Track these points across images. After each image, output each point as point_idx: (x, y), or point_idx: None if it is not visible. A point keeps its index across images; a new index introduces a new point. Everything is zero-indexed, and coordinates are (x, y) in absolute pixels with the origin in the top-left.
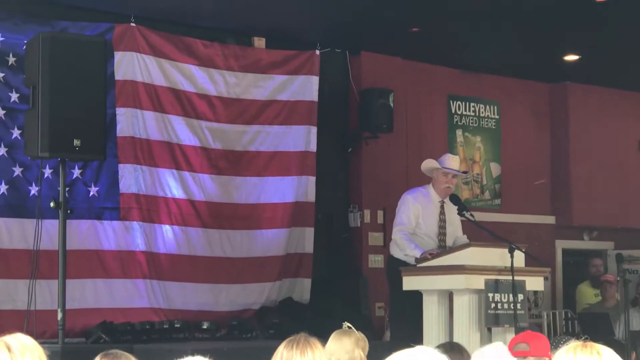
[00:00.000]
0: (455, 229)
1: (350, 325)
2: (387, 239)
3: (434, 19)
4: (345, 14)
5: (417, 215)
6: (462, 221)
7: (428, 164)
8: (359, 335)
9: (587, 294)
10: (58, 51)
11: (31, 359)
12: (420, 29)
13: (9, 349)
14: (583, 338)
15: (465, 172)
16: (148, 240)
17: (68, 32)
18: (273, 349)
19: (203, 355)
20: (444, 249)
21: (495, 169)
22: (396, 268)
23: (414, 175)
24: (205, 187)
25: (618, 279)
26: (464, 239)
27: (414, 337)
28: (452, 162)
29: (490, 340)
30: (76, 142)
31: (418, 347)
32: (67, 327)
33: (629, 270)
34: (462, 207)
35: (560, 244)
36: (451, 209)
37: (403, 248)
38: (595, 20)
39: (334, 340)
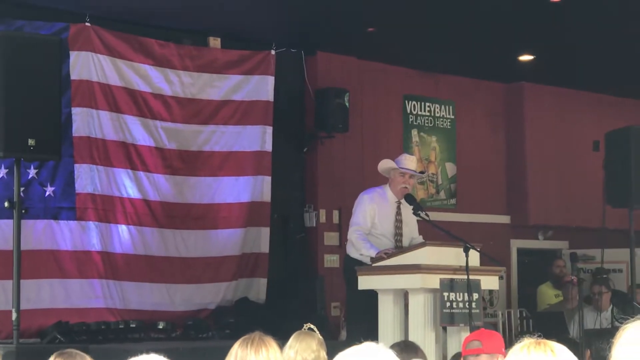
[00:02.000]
0: (411, 230)
1: (313, 326)
2: (343, 238)
3: (389, 19)
4: (300, 14)
5: (373, 216)
6: (417, 221)
7: (385, 165)
8: (319, 339)
9: (548, 295)
10: (13, 50)
11: None
12: (376, 29)
13: None
14: (536, 336)
15: (422, 172)
16: (104, 240)
17: (23, 31)
18: (229, 349)
19: (158, 354)
20: (400, 249)
21: (450, 168)
22: (352, 268)
23: (369, 175)
24: (160, 187)
25: (572, 277)
26: (420, 239)
27: (369, 336)
28: (409, 162)
29: (445, 340)
30: (31, 142)
31: (365, 344)
32: (23, 327)
33: (583, 269)
34: (418, 207)
35: (515, 244)
36: (408, 209)
37: (359, 248)
38: (549, 21)
39: (297, 340)
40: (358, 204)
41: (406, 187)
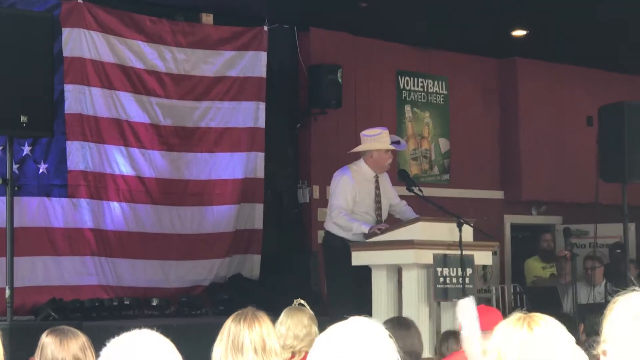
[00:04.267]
0: (390, 198)
1: (303, 302)
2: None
3: None
4: None
5: (355, 195)
6: (410, 197)
7: (377, 143)
8: (310, 315)
9: (535, 268)
10: (4, 27)
11: None
12: (369, 4)
13: None
14: (524, 310)
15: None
16: (96, 217)
17: (15, 7)
18: (222, 325)
19: (151, 331)
20: (380, 222)
21: (444, 144)
22: (334, 245)
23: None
24: (156, 163)
25: (566, 253)
26: (403, 205)
27: (354, 312)
28: (389, 138)
29: (439, 315)
30: (23, 119)
31: (355, 318)
32: (16, 304)
33: (577, 244)
34: (411, 182)
35: (509, 219)
36: (384, 179)
37: (349, 228)
38: None
39: (289, 316)
40: (338, 185)
41: (390, 162)
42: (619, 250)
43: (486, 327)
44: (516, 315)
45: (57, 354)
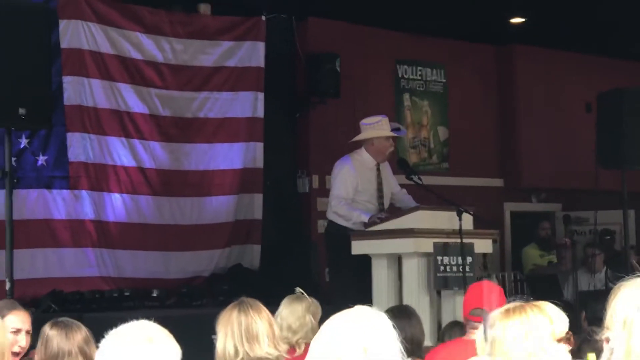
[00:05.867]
0: (391, 187)
1: (302, 291)
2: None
3: None
4: None
5: (356, 185)
6: (410, 185)
7: (376, 131)
8: (311, 301)
9: (534, 256)
10: (1, 19)
11: None
12: None
13: None
14: (523, 298)
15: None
16: (97, 209)
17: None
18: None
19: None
20: (381, 210)
21: (442, 132)
22: (335, 234)
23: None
24: (156, 154)
25: (566, 240)
26: (403, 194)
27: (356, 300)
28: (389, 125)
29: (439, 303)
30: (21, 111)
31: (358, 307)
32: (17, 296)
33: (577, 231)
34: (411, 171)
35: (509, 207)
36: (384, 168)
37: (349, 217)
38: None
39: (285, 305)
40: (338, 174)
41: (393, 149)
42: (608, 237)
43: (489, 308)
44: (516, 303)
45: (63, 346)
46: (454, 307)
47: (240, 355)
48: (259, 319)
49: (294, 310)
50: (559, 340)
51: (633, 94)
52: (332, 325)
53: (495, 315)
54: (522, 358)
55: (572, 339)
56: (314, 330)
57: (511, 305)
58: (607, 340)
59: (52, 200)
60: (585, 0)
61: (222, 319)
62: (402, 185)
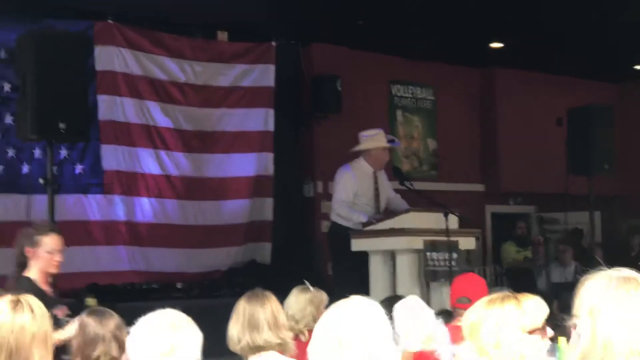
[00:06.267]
0: (386, 192)
1: (307, 282)
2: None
3: (377, 13)
4: (297, 10)
5: (356, 189)
6: (403, 190)
7: (374, 142)
8: (315, 292)
9: (511, 251)
10: (45, 45)
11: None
12: (365, 22)
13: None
14: (503, 288)
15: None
16: (128, 211)
17: (55, 28)
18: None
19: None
20: (378, 212)
21: (431, 144)
22: (339, 233)
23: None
24: (179, 163)
25: (540, 238)
26: (397, 198)
27: (355, 292)
28: (385, 137)
29: (429, 293)
30: (62, 126)
31: (355, 297)
32: (58, 288)
33: (549, 230)
34: (404, 178)
35: (489, 209)
36: (381, 175)
37: (350, 218)
38: (515, 9)
39: (292, 295)
40: (340, 180)
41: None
42: (577, 235)
43: (473, 297)
44: (496, 294)
45: (98, 332)
46: (442, 296)
47: (242, 342)
48: (262, 309)
49: (298, 301)
50: (532, 332)
51: (599, 109)
52: (332, 312)
53: (479, 303)
54: (492, 345)
55: (546, 330)
56: (315, 320)
57: (494, 295)
58: (575, 326)
59: (88, 204)
60: (555, 28)
61: (235, 308)
62: (396, 190)
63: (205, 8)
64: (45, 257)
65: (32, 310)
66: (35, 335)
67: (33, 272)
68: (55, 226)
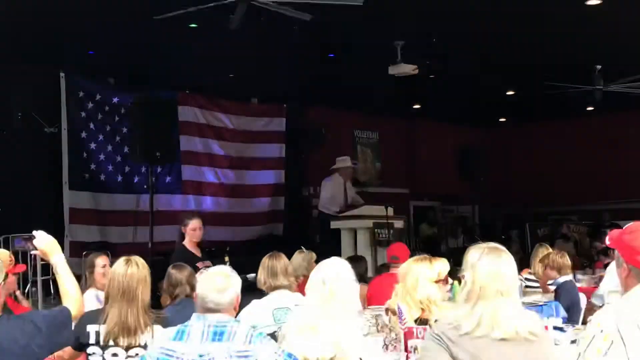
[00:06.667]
0: (351, 193)
1: (303, 248)
2: (318, 202)
3: (344, 92)
4: (299, 88)
5: (333, 192)
6: (361, 192)
7: (344, 164)
8: (307, 253)
9: (425, 229)
10: (148, 105)
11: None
12: (338, 96)
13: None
14: (421, 253)
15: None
16: (197, 205)
17: (153, 95)
18: (261, 261)
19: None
20: (346, 205)
21: (377, 165)
22: (322, 218)
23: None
24: (228, 176)
25: (443, 222)
26: (357, 197)
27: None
28: (350, 161)
29: (376, 254)
30: (158, 154)
31: (332, 257)
32: (153, 252)
33: (447, 216)
34: (362, 185)
35: (412, 203)
36: (348, 183)
37: (329, 209)
38: (428, 88)
39: (294, 256)
40: (324, 186)
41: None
42: (465, 220)
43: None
44: (418, 256)
45: (177, 277)
46: (384, 256)
47: (267, 284)
48: (277, 263)
49: (297, 259)
50: (438, 281)
51: (478, 147)
52: (320, 265)
53: (408, 261)
54: (413, 288)
55: (447, 279)
56: (307, 271)
57: (416, 256)
58: (463, 276)
59: (173, 200)
60: (449, 97)
61: (261, 262)
62: (358, 193)
63: (244, 84)
64: (190, 232)
65: (137, 265)
66: (139, 279)
67: (186, 242)
68: (197, 214)
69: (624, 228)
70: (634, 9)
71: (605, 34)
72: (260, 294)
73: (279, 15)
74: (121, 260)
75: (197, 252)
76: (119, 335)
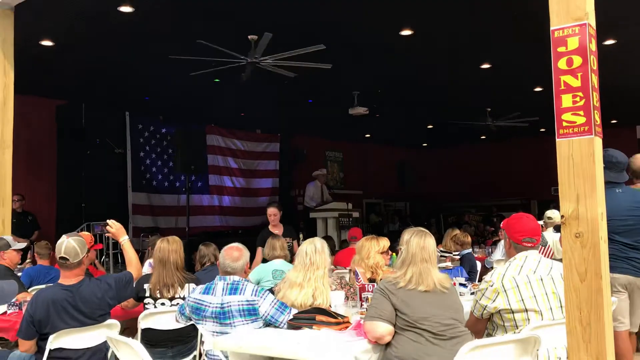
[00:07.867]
0: (325, 193)
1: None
2: (302, 199)
3: (321, 124)
4: (286, 123)
5: (314, 193)
6: (330, 193)
7: (319, 173)
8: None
9: (373, 218)
10: (185, 135)
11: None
12: (317, 126)
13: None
14: (372, 234)
15: (326, 173)
16: (219, 202)
17: (189, 127)
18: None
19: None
20: (321, 202)
21: (341, 175)
22: (305, 211)
23: (312, 178)
24: (240, 182)
25: (386, 212)
26: (329, 196)
27: (312, 236)
28: (325, 171)
29: (340, 235)
30: (192, 167)
31: (313, 237)
32: (190, 235)
33: (388, 209)
34: (331, 187)
35: (365, 201)
36: (324, 186)
37: (310, 204)
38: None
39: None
40: (308, 188)
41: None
42: (401, 212)
43: (359, 239)
44: (368, 236)
45: (205, 251)
46: (345, 236)
47: (269, 255)
48: (277, 242)
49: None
50: (382, 253)
51: (409, 161)
52: (304, 243)
53: (362, 239)
54: (366, 257)
55: (389, 252)
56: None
57: (368, 236)
58: (400, 249)
59: (204, 198)
60: (390, 124)
61: (266, 242)
62: (331, 194)
63: (251, 119)
64: (269, 218)
65: (168, 241)
66: (170, 250)
67: (269, 225)
68: (272, 204)
69: (510, 216)
70: (519, 72)
71: (493, 87)
72: (264, 261)
73: (274, 74)
74: (161, 239)
75: (277, 231)
76: (163, 289)
